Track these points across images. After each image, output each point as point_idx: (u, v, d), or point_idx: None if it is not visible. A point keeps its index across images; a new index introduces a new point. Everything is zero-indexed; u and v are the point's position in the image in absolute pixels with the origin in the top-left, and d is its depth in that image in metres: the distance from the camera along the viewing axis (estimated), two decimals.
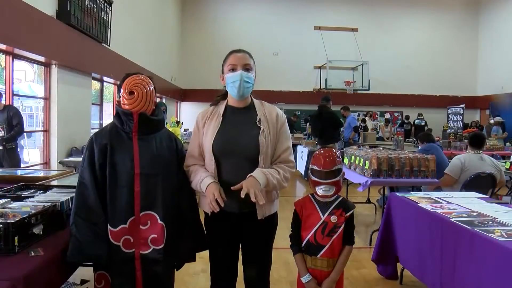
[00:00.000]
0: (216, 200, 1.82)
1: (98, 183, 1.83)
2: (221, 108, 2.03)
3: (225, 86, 2.04)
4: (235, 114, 2.01)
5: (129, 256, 1.84)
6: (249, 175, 1.87)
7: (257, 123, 1.97)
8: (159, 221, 1.87)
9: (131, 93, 1.86)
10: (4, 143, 4.98)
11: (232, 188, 1.85)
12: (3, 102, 5.09)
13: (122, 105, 1.90)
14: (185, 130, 10.13)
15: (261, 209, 1.95)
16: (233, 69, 1.96)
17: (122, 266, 1.83)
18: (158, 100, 12.00)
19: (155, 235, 1.86)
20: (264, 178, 1.87)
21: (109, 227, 1.82)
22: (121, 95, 1.90)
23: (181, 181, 1.99)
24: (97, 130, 2.06)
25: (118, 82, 1.98)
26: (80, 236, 1.75)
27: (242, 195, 1.80)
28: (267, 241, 2.08)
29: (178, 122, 9.95)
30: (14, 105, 5.29)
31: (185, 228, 1.97)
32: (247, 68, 1.96)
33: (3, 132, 4.97)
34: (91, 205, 1.80)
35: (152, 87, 1.93)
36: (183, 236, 1.96)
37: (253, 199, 1.78)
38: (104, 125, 2.03)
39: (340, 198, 2.10)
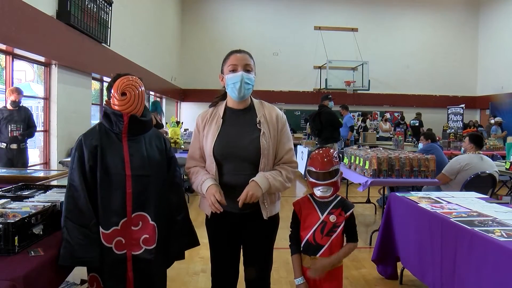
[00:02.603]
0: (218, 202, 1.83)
1: (88, 185, 1.80)
2: (221, 109, 2.02)
3: (224, 86, 2.03)
4: (235, 116, 2.00)
5: (121, 258, 1.83)
6: (251, 180, 1.87)
7: (258, 125, 1.96)
8: (151, 221, 1.86)
9: (123, 94, 1.85)
10: (19, 142, 5.02)
11: (239, 203, 1.84)
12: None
13: (112, 105, 1.88)
14: (185, 130, 10.13)
15: (266, 209, 1.95)
16: (233, 70, 1.94)
17: (114, 268, 1.82)
18: (153, 99, 11.84)
19: (147, 236, 1.85)
20: (266, 182, 1.87)
21: (101, 229, 1.80)
22: (111, 95, 1.88)
23: (170, 180, 1.99)
24: None
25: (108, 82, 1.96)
26: (72, 240, 1.72)
27: (240, 204, 1.83)
28: (268, 242, 2.08)
29: (178, 122, 9.96)
30: (26, 106, 5.33)
31: (175, 226, 1.97)
32: (247, 69, 1.94)
33: (20, 131, 5.01)
34: (82, 208, 1.77)
35: (142, 88, 1.92)
36: (173, 235, 1.96)
37: (253, 200, 1.82)
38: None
39: (339, 198, 2.10)
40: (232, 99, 1.99)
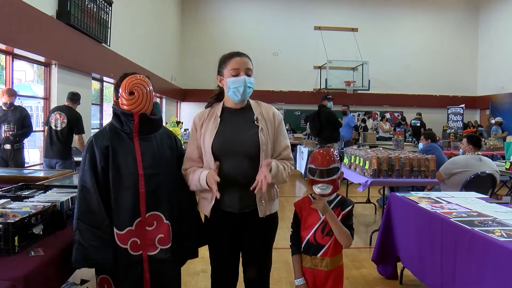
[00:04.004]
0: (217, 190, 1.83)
1: (100, 186, 1.80)
2: (218, 109, 2.03)
3: (218, 86, 2.04)
4: (233, 114, 2.02)
5: (137, 259, 1.82)
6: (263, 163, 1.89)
7: (255, 122, 1.98)
8: (165, 221, 1.86)
9: (131, 93, 1.84)
10: (12, 143, 5.00)
11: (251, 188, 1.86)
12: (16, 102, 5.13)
13: (120, 105, 1.87)
14: (185, 130, 10.14)
15: (262, 206, 1.96)
16: (236, 74, 1.94)
17: (130, 269, 1.81)
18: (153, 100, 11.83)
19: (162, 235, 1.85)
20: (276, 169, 1.90)
21: (115, 230, 1.80)
22: (119, 95, 1.86)
23: (180, 179, 1.99)
24: (97, 130, 2.04)
25: (115, 82, 1.95)
26: (85, 242, 1.72)
27: (257, 191, 1.83)
28: (268, 241, 2.08)
29: (178, 122, 9.95)
30: (23, 106, 5.31)
31: (187, 225, 1.97)
32: (248, 73, 1.96)
33: (13, 132, 4.98)
34: (94, 209, 1.77)
35: (151, 87, 1.91)
36: (186, 233, 1.96)
37: (263, 189, 1.81)
38: (103, 125, 2.00)
39: (339, 197, 2.10)
40: (232, 100, 2.00)
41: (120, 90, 1.86)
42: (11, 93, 4.97)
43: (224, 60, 2.01)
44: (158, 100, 12.89)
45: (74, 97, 5.42)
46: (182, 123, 9.07)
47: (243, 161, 1.93)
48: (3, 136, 4.93)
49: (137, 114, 1.84)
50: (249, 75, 1.96)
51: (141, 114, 1.85)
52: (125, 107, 1.85)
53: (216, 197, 1.87)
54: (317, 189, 2.02)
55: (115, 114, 1.89)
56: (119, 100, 1.87)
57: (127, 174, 1.81)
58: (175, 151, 1.99)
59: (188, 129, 10.33)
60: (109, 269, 1.81)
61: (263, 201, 1.96)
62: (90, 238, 1.73)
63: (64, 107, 5.33)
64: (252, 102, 2.07)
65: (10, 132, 4.96)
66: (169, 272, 1.89)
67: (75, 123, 5.20)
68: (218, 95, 2.08)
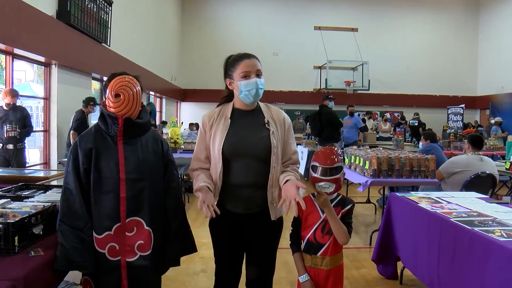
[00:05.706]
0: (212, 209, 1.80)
1: (83, 188, 1.77)
2: (228, 110, 2.00)
3: (227, 88, 2.02)
4: (243, 116, 2.00)
5: (114, 264, 1.78)
6: (289, 182, 1.87)
7: (266, 125, 1.97)
8: (146, 227, 1.82)
9: (117, 96, 1.79)
10: (15, 143, 5.04)
11: (278, 206, 1.89)
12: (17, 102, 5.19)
13: (107, 107, 1.83)
14: (185, 129, 10.14)
15: (274, 210, 1.96)
16: (246, 76, 1.92)
17: (108, 275, 1.78)
18: (152, 100, 11.78)
19: (141, 241, 1.80)
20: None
21: (94, 234, 1.76)
22: (106, 96, 1.83)
23: (166, 184, 1.94)
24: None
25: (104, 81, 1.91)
26: (67, 243, 1.69)
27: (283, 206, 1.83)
28: (273, 243, 2.07)
29: (191, 124, 9.94)
30: (23, 106, 5.36)
31: (170, 232, 1.91)
32: (258, 74, 1.94)
33: (16, 132, 5.02)
34: (77, 211, 1.74)
35: (138, 88, 1.86)
36: (168, 240, 1.91)
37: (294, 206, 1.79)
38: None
39: (339, 196, 2.10)
40: (242, 102, 1.98)
41: (107, 91, 1.82)
42: (14, 93, 5.01)
43: (233, 62, 1.96)
44: (158, 100, 12.91)
45: (83, 104, 6.02)
46: (182, 123, 9.06)
47: (252, 163, 1.92)
48: (5, 136, 4.95)
49: (121, 117, 1.80)
50: (259, 76, 1.94)
51: (126, 118, 1.80)
52: (111, 110, 1.81)
53: (218, 198, 1.89)
54: (319, 188, 2.02)
55: (102, 116, 1.85)
56: (106, 101, 1.84)
57: (108, 178, 1.78)
58: (160, 155, 1.93)
59: (186, 129, 10.35)
60: (90, 272, 1.78)
61: (274, 204, 1.96)
62: (72, 240, 1.70)
63: (78, 110, 5.98)
64: (261, 104, 2.06)
65: (13, 132, 5.00)
66: (149, 280, 1.84)
67: (74, 121, 5.75)
68: (227, 97, 2.06)
